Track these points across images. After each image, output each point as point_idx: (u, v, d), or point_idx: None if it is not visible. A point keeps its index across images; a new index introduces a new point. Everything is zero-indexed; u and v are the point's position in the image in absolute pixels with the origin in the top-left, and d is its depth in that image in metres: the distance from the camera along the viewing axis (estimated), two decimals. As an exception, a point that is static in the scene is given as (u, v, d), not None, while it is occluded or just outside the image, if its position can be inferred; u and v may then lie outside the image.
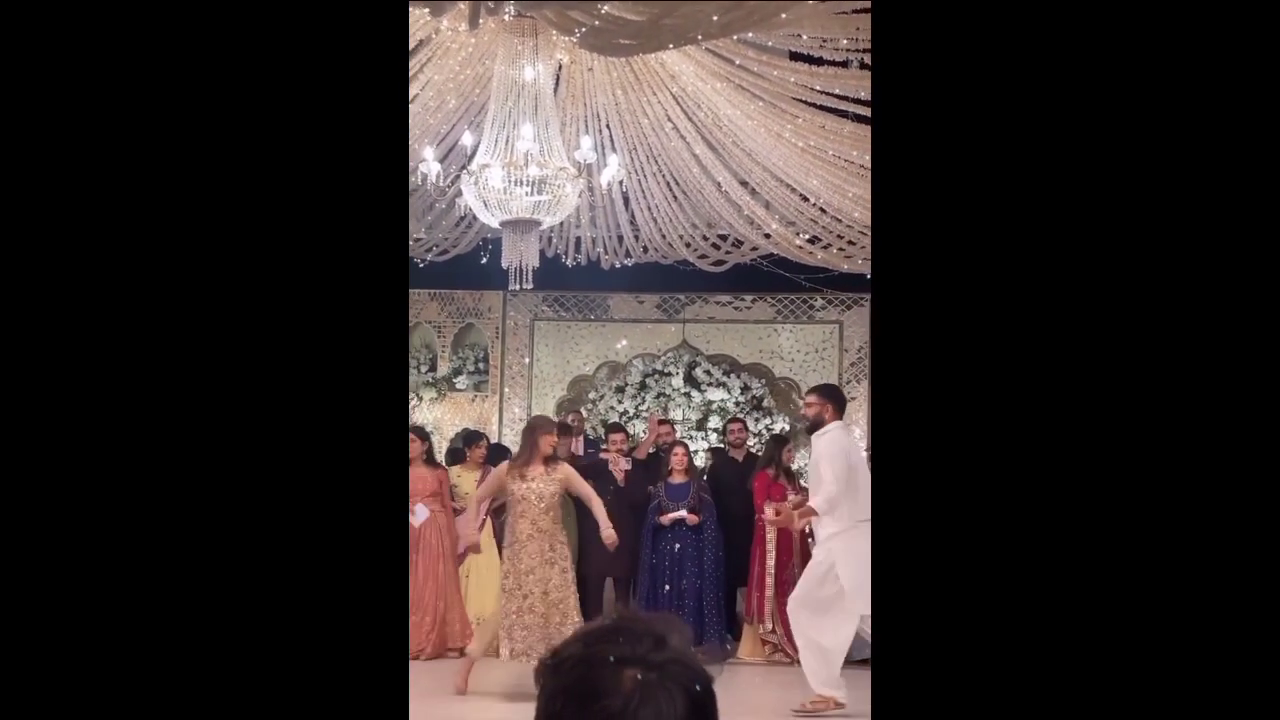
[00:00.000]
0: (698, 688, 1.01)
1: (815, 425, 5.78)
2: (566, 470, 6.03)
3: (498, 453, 8.24)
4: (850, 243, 7.41)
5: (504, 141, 5.77)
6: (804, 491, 7.75)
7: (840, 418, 5.83)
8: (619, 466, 7.42)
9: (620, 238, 8.02)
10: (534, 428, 6.07)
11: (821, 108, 6.15)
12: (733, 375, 9.78)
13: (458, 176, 6.44)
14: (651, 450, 7.90)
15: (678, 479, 7.39)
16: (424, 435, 7.53)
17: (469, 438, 8.20)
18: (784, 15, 4.79)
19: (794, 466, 7.63)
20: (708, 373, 9.77)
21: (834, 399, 5.88)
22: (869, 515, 5.34)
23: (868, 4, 4.91)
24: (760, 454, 7.71)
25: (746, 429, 8.23)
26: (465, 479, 7.78)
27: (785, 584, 7.11)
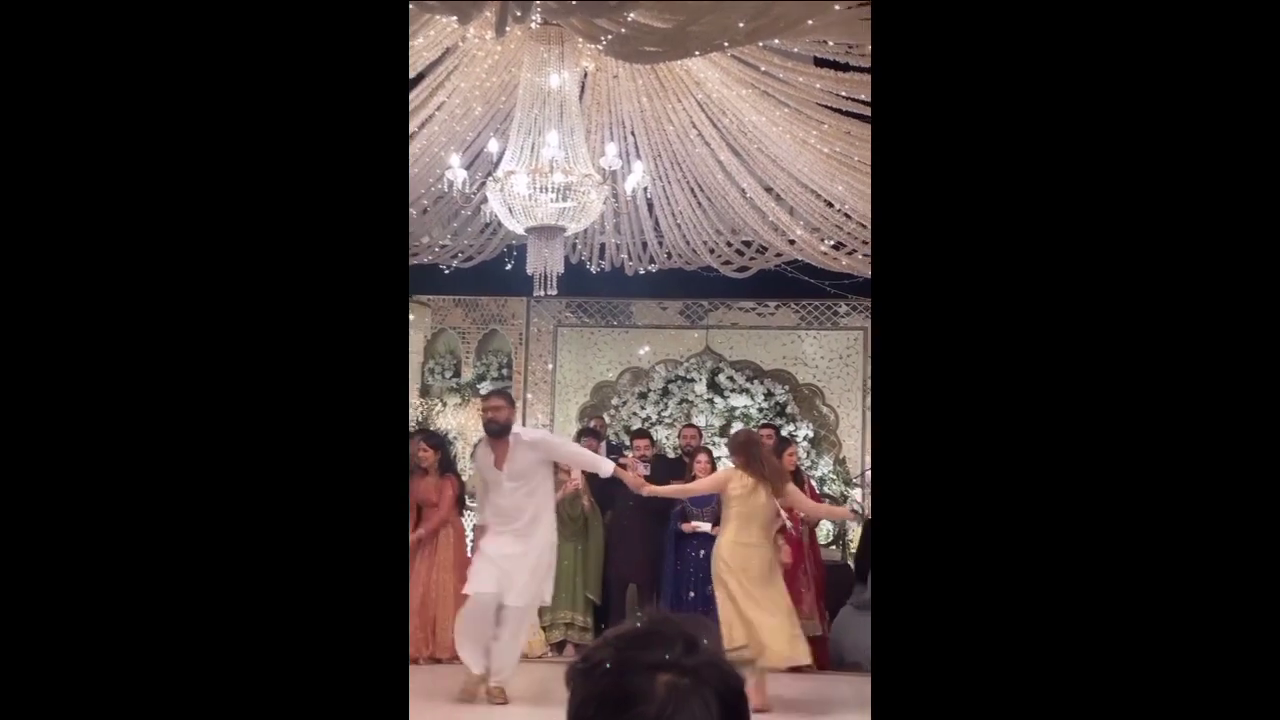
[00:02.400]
0: (731, 691, 1.00)
1: (506, 427, 5.78)
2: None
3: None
4: (875, 249, 7.37)
5: (529, 148, 5.79)
6: (820, 497, 7.72)
7: None
8: (638, 472, 7.42)
9: (644, 244, 8.02)
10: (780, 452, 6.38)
11: (847, 114, 6.13)
12: (756, 381, 9.74)
13: (483, 183, 6.47)
14: (674, 455, 7.89)
15: (701, 485, 7.37)
16: (437, 444, 7.53)
17: (492, 443, 8.21)
18: (810, 22, 4.78)
19: (804, 469, 7.60)
20: (731, 379, 9.74)
21: (513, 403, 6.18)
22: None
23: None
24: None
25: (777, 435, 8.14)
26: (489, 485, 7.80)
27: (795, 593, 7.07)
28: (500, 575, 5.59)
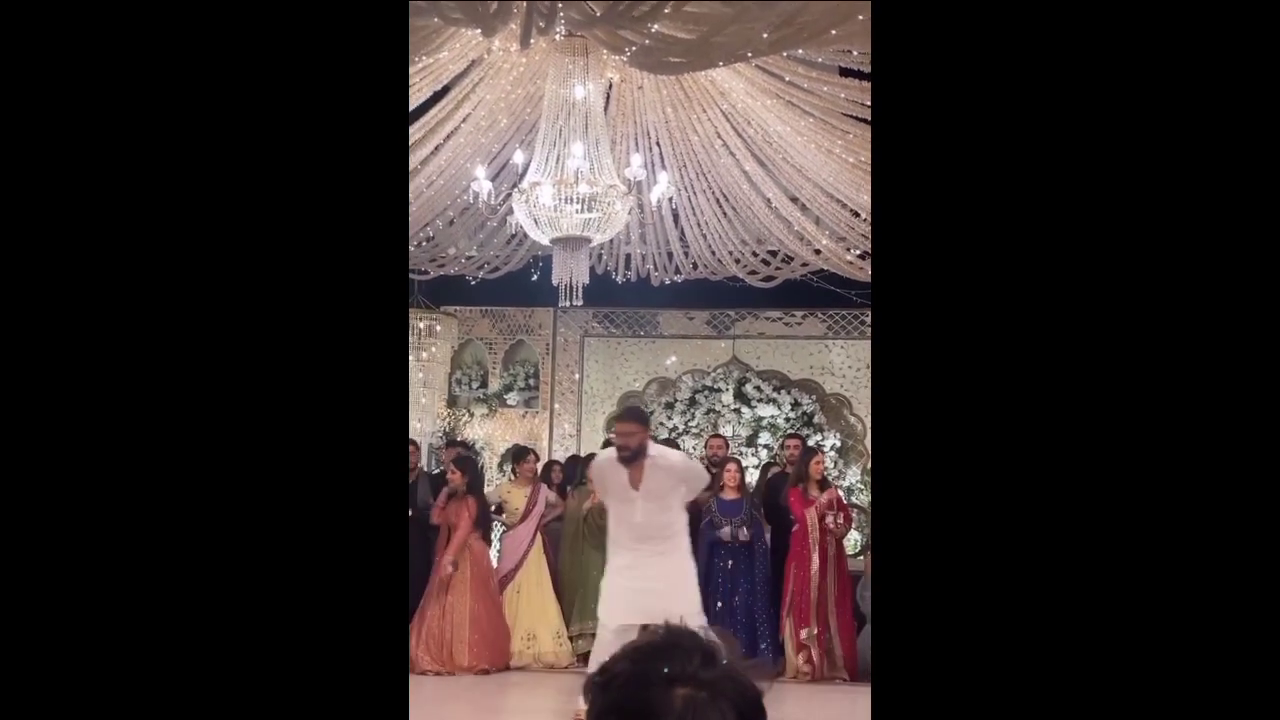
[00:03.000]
0: (749, 704, 1.00)
1: (641, 451, 5.14)
2: None
3: (572, 467, 8.19)
4: (901, 258, 7.34)
5: (555, 160, 5.82)
6: (848, 507, 7.68)
7: None
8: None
9: (670, 254, 8.03)
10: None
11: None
12: (783, 391, 9.73)
13: (509, 195, 6.50)
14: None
15: (730, 495, 7.36)
16: (465, 467, 7.36)
17: (519, 453, 8.23)
18: (834, 31, 4.77)
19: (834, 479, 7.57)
20: (758, 389, 9.73)
21: (647, 425, 5.52)
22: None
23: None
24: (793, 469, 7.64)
25: (803, 444, 8.08)
26: (515, 495, 7.80)
27: (819, 601, 7.04)
28: (642, 605, 4.90)
